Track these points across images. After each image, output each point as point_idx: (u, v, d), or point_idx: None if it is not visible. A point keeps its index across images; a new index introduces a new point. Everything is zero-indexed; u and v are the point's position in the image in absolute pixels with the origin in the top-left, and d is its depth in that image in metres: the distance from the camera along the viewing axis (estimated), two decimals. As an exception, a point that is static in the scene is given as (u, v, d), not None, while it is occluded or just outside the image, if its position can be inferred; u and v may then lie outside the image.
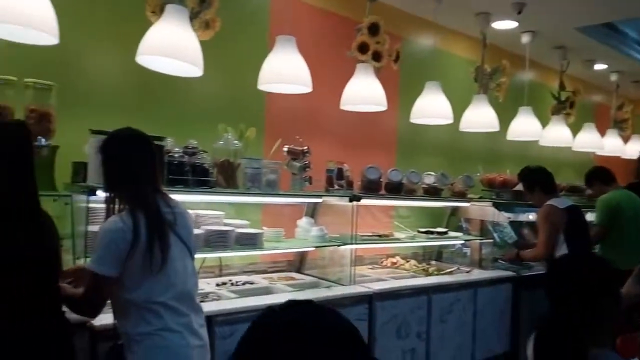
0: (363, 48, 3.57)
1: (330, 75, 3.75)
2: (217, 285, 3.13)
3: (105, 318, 1.95)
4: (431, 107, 4.02)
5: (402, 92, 4.42)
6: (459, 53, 5.07)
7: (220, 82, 3.37)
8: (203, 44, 2.71)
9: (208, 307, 2.49)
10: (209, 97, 3.35)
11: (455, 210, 4.63)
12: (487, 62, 4.57)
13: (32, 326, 1.68)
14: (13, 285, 1.63)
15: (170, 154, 2.67)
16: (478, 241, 4.34)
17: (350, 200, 3.35)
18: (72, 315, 1.88)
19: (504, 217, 4.27)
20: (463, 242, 4.42)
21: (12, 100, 2.28)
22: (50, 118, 2.35)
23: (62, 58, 2.70)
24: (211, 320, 2.47)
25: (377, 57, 3.59)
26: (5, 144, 1.71)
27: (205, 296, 2.80)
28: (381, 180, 3.72)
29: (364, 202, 3.43)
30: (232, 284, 3.18)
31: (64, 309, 1.85)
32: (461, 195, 4.28)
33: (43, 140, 2.29)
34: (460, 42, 5.06)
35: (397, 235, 4.08)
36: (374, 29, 3.59)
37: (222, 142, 2.91)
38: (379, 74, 3.62)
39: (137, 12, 2.79)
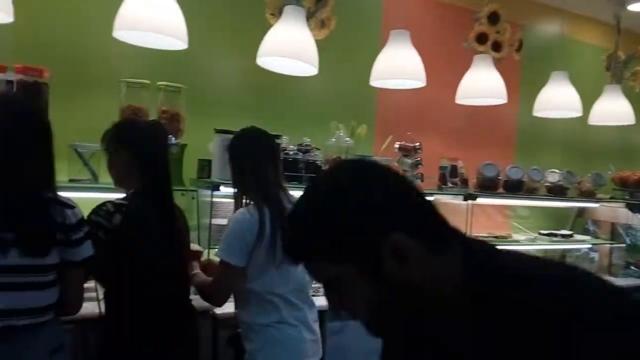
0: (481, 38, 3.40)
1: (444, 69, 3.63)
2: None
3: (226, 307, 2.06)
4: (557, 99, 3.73)
5: (523, 84, 4.16)
6: (588, 40, 4.65)
7: (332, 79, 3.41)
8: (317, 42, 2.75)
9: (319, 301, 2.52)
10: (322, 95, 3.40)
11: (582, 211, 4.27)
12: (621, 48, 4.14)
13: (165, 311, 1.82)
14: (155, 275, 1.78)
15: (286, 151, 2.75)
16: (608, 245, 3.97)
17: (465, 199, 3.22)
18: (197, 303, 2.01)
19: (638, 219, 3.85)
20: (590, 246, 4.07)
21: (146, 102, 2.48)
22: (180, 118, 2.53)
23: (190, 62, 2.88)
24: (322, 314, 2.50)
25: (497, 47, 3.41)
26: (145, 142, 1.86)
27: (316, 290, 2.85)
28: (499, 177, 3.53)
29: (479, 201, 3.28)
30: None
31: (191, 296, 1.98)
32: (589, 195, 3.93)
33: (173, 139, 2.46)
34: (589, 28, 4.64)
35: (516, 237, 3.86)
36: (493, 18, 3.40)
37: (334, 140, 2.94)
38: (498, 65, 3.43)
39: (257, 15, 2.90)
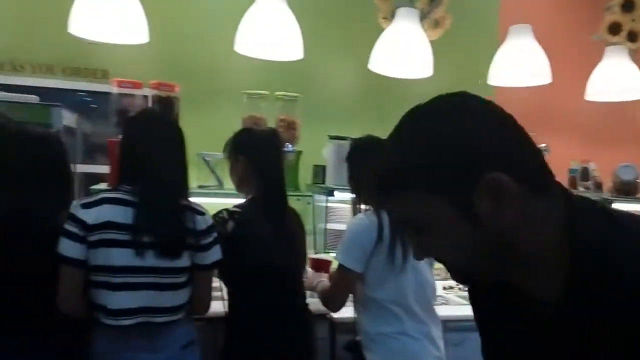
0: (614, 28, 3.09)
1: (570, 63, 3.35)
2: (444, 288, 3.07)
3: (344, 312, 2.06)
4: None
5: (665, 76, 3.71)
6: None
7: (447, 80, 3.27)
8: (431, 42, 2.68)
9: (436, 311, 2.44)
10: (437, 97, 3.31)
11: None
12: None
13: (281, 311, 1.88)
14: (269, 277, 1.85)
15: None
16: None
17: (599, 204, 2.93)
18: (314, 306, 2.05)
19: None
20: None
21: (265, 112, 2.59)
22: (296, 126, 2.61)
23: (305, 70, 2.95)
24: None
25: (633, 37, 3.08)
26: (261, 150, 1.93)
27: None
28: (638, 181, 3.18)
29: (616, 207, 2.97)
30: (459, 289, 3.08)
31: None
32: None
33: (290, 146, 2.54)
34: None
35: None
36: (628, 6, 3.08)
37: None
38: (635, 56, 3.10)
39: (370, 20, 2.90)
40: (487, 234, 0.66)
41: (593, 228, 0.65)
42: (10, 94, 2.24)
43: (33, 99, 2.23)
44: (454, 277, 0.74)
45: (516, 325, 0.75)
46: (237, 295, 1.88)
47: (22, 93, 2.24)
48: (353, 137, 2.09)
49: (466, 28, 3.33)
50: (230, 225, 1.79)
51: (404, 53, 2.59)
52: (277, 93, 2.64)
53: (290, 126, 2.59)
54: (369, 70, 2.75)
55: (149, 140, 1.62)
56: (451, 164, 0.65)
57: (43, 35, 2.72)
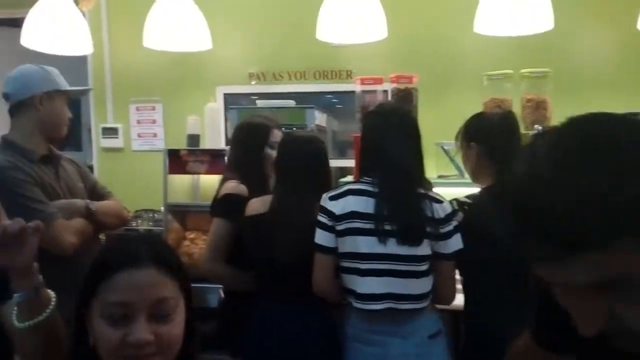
0: None
1: None
2: None
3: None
4: None
5: None
6: None
7: None
8: None
9: None
10: None
11: None
12: None
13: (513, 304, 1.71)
14: (502, 270, 1.71)
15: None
16: None
17: None
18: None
19: None
20: None
21: (510, 93, 2.41)
22: (546, 105, 2.35)
23: (554, 43, 2.65)
24: None
25: None
26: (495, 135, 1.78)
27: None
28: None
29: None
30: None
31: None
32: None
33: (539, 127, 2.31)
34: None
35: None
36: None
37: None
38: None
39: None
40: None
41: None
42: (272, 101, 2.59)
43: (290, 103, 2.52)
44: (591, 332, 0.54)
45: None
46: (470, 288, 1.80)
47: (281, 99, 2.57)
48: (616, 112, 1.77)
49: None
50: (460, 216, 1.73)
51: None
52: (523, 71, 2.43)
53: (540, 105, 2.34)
54: (635, 32, 2.31)
55: (384, 133, 1.67)
56: None
57: (296, 44, 3.03)
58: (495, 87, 2.42)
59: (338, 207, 1.64)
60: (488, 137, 1.78)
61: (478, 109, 2.37)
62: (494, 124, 1.82)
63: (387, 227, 1.59)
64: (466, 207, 1.74)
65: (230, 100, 3.09)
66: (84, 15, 2.83)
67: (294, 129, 2.45)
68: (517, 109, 2.35)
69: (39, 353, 1.01)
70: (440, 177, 2.38)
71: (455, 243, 1.65)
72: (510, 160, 1.77)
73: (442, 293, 1.70)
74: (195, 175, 2.83)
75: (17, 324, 0.93)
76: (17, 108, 1.82)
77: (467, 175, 1.97)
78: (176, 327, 0.87)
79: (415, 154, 1.68)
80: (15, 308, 0.94)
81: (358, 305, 1.64)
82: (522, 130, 2.00)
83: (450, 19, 2.82)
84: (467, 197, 1.78)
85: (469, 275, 1.78)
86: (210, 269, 1.90)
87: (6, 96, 1.83)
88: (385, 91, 2.34)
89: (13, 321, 0.94)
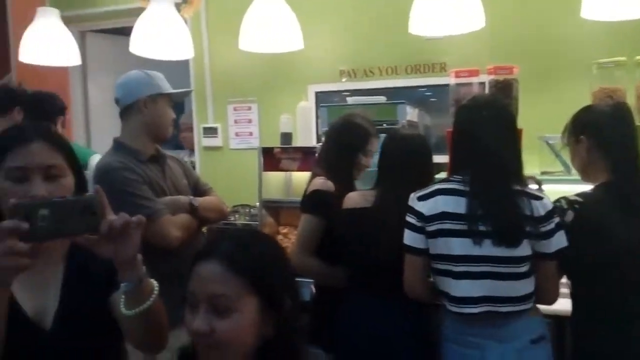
0: None
1: None
2: None
3: None
4: None
5: None
6: None
7: None
8: None
9: None
10: None
11: None
12: None
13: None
14: (622, 277, 1.57)
15: None
16: None
17: None
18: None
19: None
20: None
21: (623, 81, 2.21)
22: (665, 94, 2.12)
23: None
24: None
25: None
26: (606, 128, 1.64)
27: None
28: None
29: None
30: None
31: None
32: None
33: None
34: None
35: None
36: None
37: None
38: None
39: None
40: None
41: None
42: (363, 97, 2.58)
43: (381, 99, 2.49)
44: None
45: None
46: (578, 292, 1.66)
47: (372, 95, 2.55)
48: None
49: None
50: (570, 215, 1.59)
51: None
52: (638, 58, 2.21)
53: (658, 95, 2.12)
54: None
55: (478, 126, 1.59)
56: None
57: (386, 39, 2.98)
58: (605, 76, 2.23)
59: (427, 207, 1.58)
60: (600, 130, 1.64)
61: (586, 100, 2.20)
62: (605, 115, 1.67)
63: (482, 228, 1.51)
64: (577, 206, 1.60)
65: (322, 98, 3.12)
66: (185, 22, 3.01)
67: (384, 125, 2.42)
68: (630, 100, 2.15)
69: (144, 337, 1.11)
70: (543, 173, 2.23)
71: (558, 242, 1.54)
72: (625, 156, 1.63)
73: (543, 295, 1.61)
74: (288, 172, 2.89)
75: (124, 312, 1.01)
76: (126, 112, 1.95)
77: (574, 171, 1.83)
78: (234, 324, 0.90)
79: (511, 148, 1.59)
80: (123, 297, 1.02)
81: (452, 308, 1.58)
82: (638, 123, 1.83)
83: (553, 4, 2.65)
84: (578, 195, 1.64)
85: (581, 281, 1.65)
86: (299, 263, 1.93)
87: (116, 101, 1.98)
88: (482, 83, 2.24)
89: (121, 309, 1.02)
